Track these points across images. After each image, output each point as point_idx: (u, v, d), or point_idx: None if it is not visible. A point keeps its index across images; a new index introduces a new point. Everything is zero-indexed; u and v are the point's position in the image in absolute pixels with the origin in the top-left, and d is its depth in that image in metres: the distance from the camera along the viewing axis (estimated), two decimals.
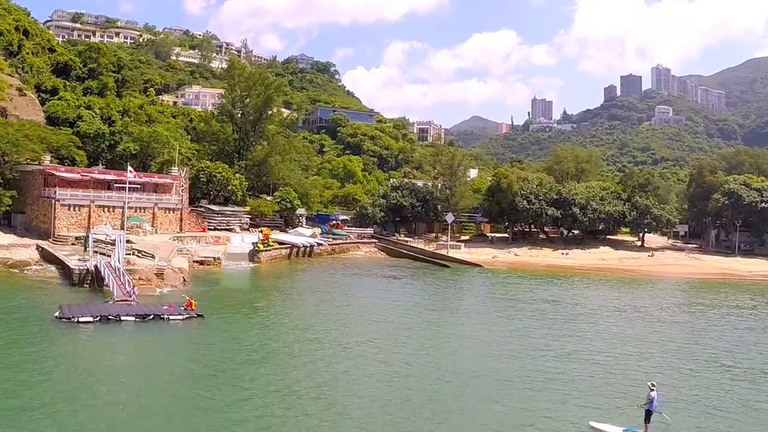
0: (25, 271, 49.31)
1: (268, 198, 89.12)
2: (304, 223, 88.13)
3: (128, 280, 40.47)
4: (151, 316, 34.09)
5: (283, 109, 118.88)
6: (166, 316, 34.11)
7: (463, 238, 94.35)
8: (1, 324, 31.84)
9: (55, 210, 60.14)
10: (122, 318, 33.36)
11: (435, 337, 35.04)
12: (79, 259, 48.36)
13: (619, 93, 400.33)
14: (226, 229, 76.08)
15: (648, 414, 20.96)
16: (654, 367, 29.86)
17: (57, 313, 33.27)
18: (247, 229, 78.02)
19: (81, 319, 32.44)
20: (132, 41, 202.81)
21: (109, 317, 33.16)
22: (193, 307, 35.39)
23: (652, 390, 21.20)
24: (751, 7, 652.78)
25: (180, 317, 34.33)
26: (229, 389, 23.90)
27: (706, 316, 45.30)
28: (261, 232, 70.16)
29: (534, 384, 26.08)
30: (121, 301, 36.75)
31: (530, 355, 30.93)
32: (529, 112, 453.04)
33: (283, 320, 38.21)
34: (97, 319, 32.87)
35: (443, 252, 79.01)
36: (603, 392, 25.47)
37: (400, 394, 24.41)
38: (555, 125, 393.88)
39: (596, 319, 42.44)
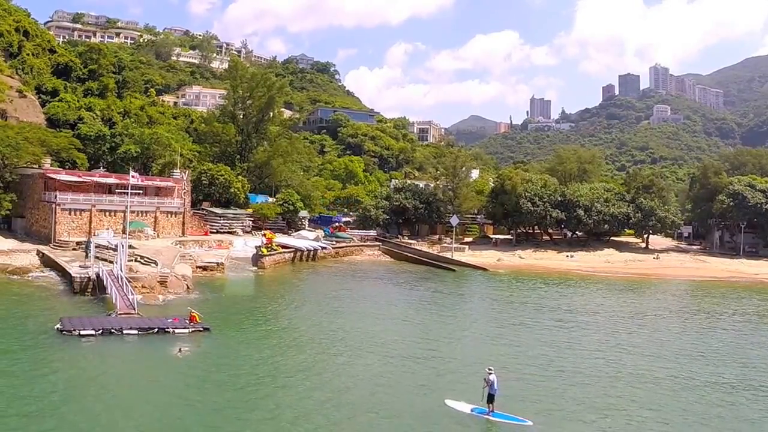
0: (26, 278, 48.38)
1: (271, 200, 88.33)
2: (306, 225, 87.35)
3: (130, 290, 39.37)
4: (156, 330, 33.05)
5: (284, 110, 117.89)
6: (171, 330, 33.06)
7: (466, 240, 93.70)
8: (1, 335, 30.98)
9: (55, 214, 59.38)
10: (125, 332, 32.32)
11: (448, 355, 33.67)
12: (80, 266, 47.36)
13: (617, 92, 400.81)
14: (228, 232, 75.38)
15: (491, 396, 22.63)
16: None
17: (58, 326, 32.28)
18: (250, 232, 77.25)
19: (83, 332, 31.49)
20: (132, 42, 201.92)
21: (112, 331, 32.21)
22: (198, 320, 34.19)
23: (490, 374, 22.78)
24: (750, 8, 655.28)
25: (186, 330, 33.22)
26: (240, 409, 23.11)
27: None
28: (264, 235, 69.24)
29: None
30: (124, 313, 35.65)
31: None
32: (527, 112, 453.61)
33: (294, 334, 36.77)
34: (99, 332, 31.90)
35: (447, 255, 78.27)
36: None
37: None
38: (553, 124, 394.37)
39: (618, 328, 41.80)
